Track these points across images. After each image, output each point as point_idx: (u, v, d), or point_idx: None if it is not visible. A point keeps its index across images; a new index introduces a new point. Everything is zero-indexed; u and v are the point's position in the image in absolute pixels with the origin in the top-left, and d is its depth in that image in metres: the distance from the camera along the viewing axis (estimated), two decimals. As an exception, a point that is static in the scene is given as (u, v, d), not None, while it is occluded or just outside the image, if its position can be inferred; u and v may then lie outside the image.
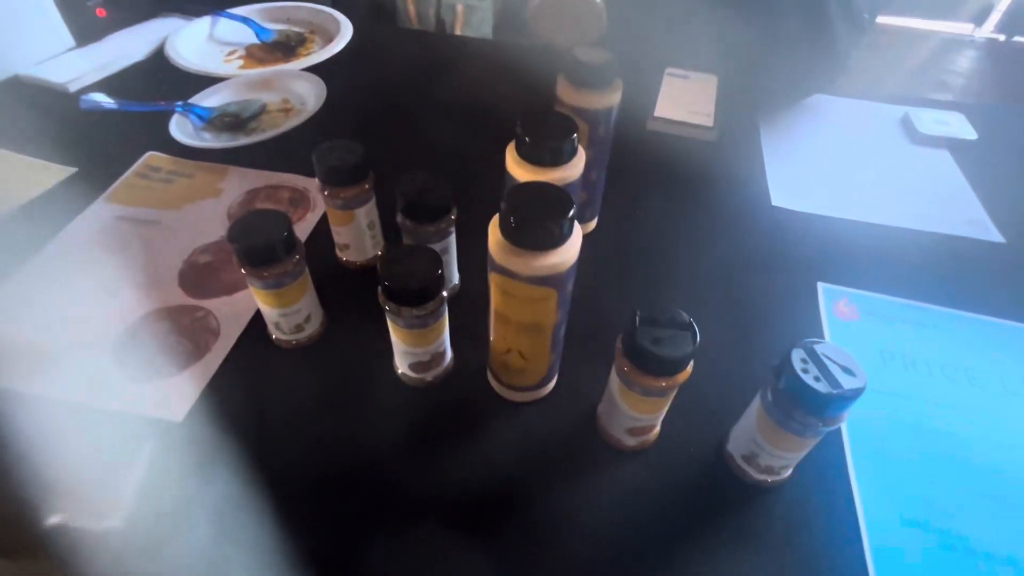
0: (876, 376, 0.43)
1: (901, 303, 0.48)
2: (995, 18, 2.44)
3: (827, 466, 0.38)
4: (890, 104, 0.74)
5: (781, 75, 0.68)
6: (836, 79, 0.72)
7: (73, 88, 0.68)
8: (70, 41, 0.74)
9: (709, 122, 0.67)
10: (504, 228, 0.30)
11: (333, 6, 0.88)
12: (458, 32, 1.79)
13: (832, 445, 0.39)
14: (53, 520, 0.32)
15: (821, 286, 0.49)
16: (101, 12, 0.75)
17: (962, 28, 2.46)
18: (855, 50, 0.69)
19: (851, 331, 0.46)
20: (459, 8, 1.80)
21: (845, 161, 0.65)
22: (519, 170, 0.37)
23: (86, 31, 0.74)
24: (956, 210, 0.58)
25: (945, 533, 0.35)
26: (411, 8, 1.79)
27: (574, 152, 0.37)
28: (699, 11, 0.64)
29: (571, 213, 0.29)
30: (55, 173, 0.56)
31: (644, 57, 0.71)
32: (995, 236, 0.56)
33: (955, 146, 0.67)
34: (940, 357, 0.44)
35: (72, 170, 0.57)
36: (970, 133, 0.67)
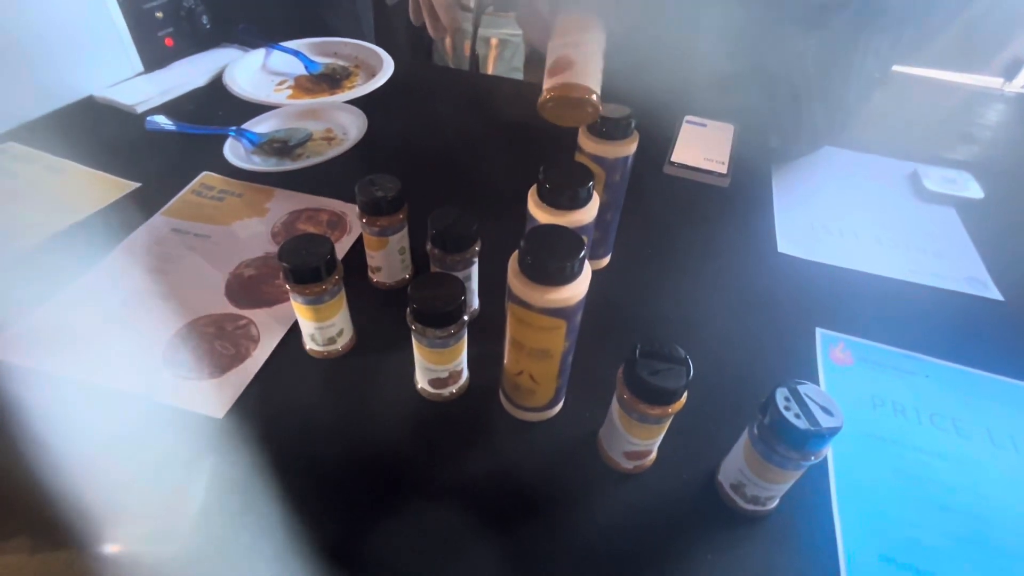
0: (865, 420, 0.45)
1: (895, 352, 0.51)
2: (1026, 73, 2.45)
3: (812, 502, 0.40)
4: (900, 160, 0.77)
5: (793, 130, 0.72)
6: (844, 134, 0.75)
7: (140, 110, 0.75)
8: (139, 67, 0.81)
9: (723, 169, 0.70)
10: (522, 264, 0.34)
11: (376, 43, 0.95)
12: (491, 63, 1.87)
13: (819, 483, 0.41)
14: (108, 548, 0.35)
15: (819, 331, 0.52)
16: (169, 41, 0.83)
17: (992, 82, 2.47)
18: (865, 106, 0.73)
19: (844, 375, 0.49)
20: (493, 41, 1.89)
21: (852, 213, 0.68)
22: (539, 212, 0.41)
23: (154, 58, 0.82)
24: (957, 267, 0.61)
25: (921, 572, 0.37)
26: (448, 40, 1.88)
27: (589, 198, 0.41)
28: (721, 68, 0.69)
29: (581, 255, 0.33)
30: (121, 187, 0.63)
31: (665, 105, 0.75)
32: (994, 294, 0.58)
33: (961, 204, 0.69)
34: (929, 406, 0.47)
35: (136, 185, 0.63)
36: (976, 192, 0.70)
